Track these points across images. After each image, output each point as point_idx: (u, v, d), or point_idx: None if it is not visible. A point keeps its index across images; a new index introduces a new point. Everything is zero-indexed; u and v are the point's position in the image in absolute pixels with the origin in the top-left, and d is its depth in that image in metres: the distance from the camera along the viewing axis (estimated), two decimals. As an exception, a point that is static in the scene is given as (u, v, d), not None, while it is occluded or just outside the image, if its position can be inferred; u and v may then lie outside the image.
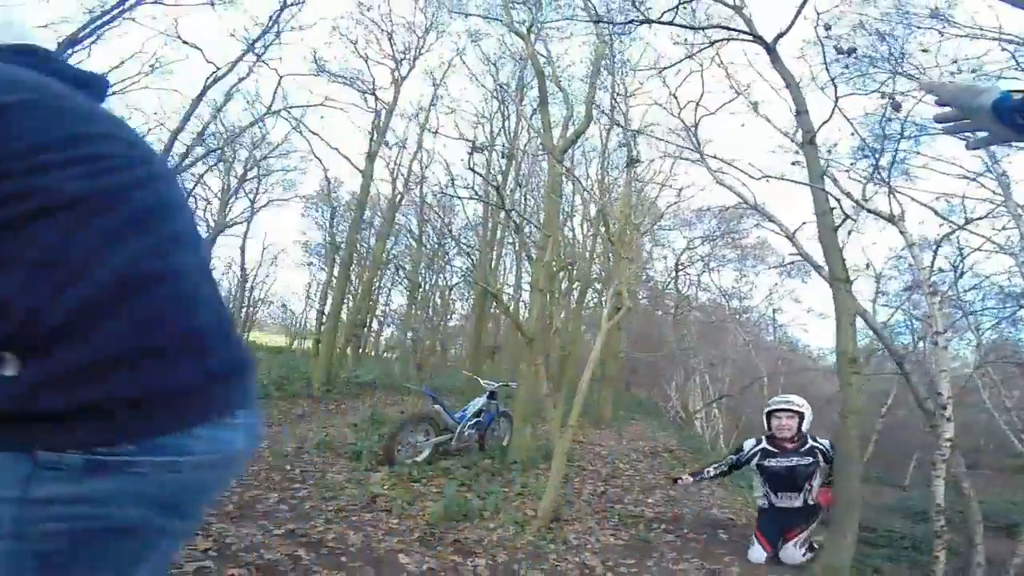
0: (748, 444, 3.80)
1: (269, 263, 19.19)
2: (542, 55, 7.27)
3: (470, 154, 5.45)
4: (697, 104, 6.53)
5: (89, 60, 8.15)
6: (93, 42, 9.73)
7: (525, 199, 12.49)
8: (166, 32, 10.58)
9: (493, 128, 13.56)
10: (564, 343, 11.95)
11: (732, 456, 3.87)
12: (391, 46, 11.41)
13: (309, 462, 4.83)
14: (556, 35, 7.79)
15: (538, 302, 5.84)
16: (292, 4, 9.08)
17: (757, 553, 3.58)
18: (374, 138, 11.22)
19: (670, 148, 12.02)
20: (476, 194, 7.03)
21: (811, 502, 3.59)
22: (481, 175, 6.62)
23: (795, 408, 3.64)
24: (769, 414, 3.72)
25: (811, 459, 3.57)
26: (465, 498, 4.06)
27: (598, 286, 13.92)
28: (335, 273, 12.99)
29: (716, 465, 3.94)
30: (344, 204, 15.45)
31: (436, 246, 13.48)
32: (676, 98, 7.22)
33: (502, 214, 8.72)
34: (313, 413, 7.95)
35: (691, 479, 3.99)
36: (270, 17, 8.86)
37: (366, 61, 11.55)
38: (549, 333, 6.39)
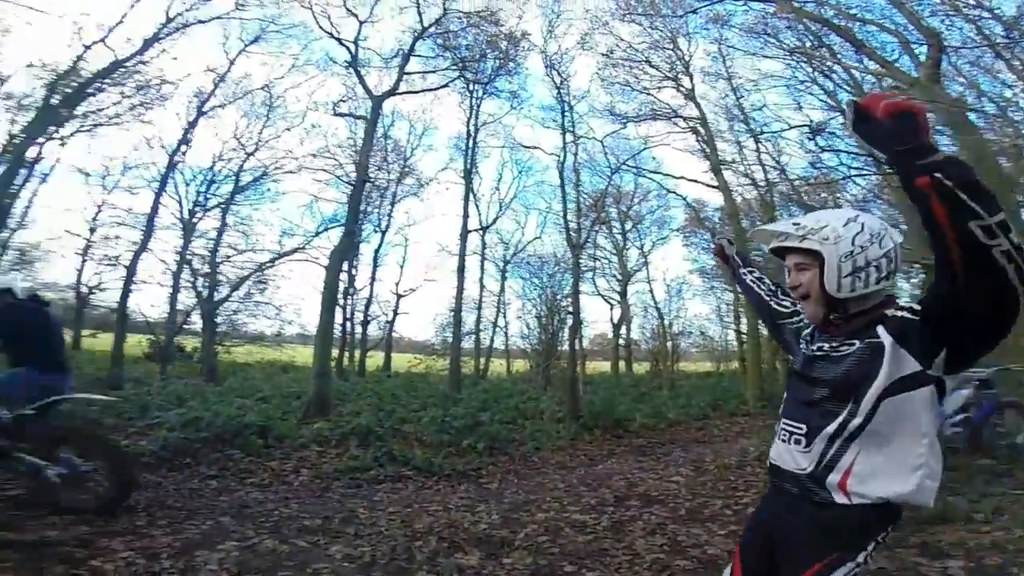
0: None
1: (675, 297, 20.64)
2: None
3: (812, 137, 4.82)
4: None
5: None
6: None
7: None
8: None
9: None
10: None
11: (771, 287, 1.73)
12: (655, 69, 11.56)
13: (751, 473, 4.99)
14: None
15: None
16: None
17: None
18: (707, 152, 11.20)
19: None
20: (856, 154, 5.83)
21: (838, 495, 1.26)
22: (835, 149, 5.55)
23: (805, 243, 1.36)
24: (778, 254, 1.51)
25: (852, 348, 1.28)
26: (947, 501, 3.40)
27: None
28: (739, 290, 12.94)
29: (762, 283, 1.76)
30: (718, 221, 15.38)
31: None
32: None
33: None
34: (750, 428, 8.02)
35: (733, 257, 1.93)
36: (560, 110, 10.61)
37: (646, 92, 12.00)
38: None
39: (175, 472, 4.37)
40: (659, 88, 12.32)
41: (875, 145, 1.06)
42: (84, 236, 13.40)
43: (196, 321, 13.49)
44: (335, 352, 13.54)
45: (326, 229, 14.41)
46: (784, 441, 1.36)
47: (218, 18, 11.59)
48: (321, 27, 9.86)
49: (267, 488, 4.32)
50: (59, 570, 2.26)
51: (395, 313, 18.02)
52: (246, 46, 12.38)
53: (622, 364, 19.31)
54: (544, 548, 3.21)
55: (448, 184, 18.75)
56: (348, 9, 9.76)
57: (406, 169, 16.10)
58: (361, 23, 9.80)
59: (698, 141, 11.76)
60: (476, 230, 15.23)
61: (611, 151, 13.82)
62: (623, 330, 19.20)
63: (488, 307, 18.01)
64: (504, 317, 19.03)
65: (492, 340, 18.79)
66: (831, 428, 1.27)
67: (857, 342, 1.27)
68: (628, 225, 18.76)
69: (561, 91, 11.17)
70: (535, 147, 17.47)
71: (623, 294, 18.74)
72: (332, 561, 2.84)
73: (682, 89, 11.90)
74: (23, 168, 10.99)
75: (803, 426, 1.32)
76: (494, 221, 16.82)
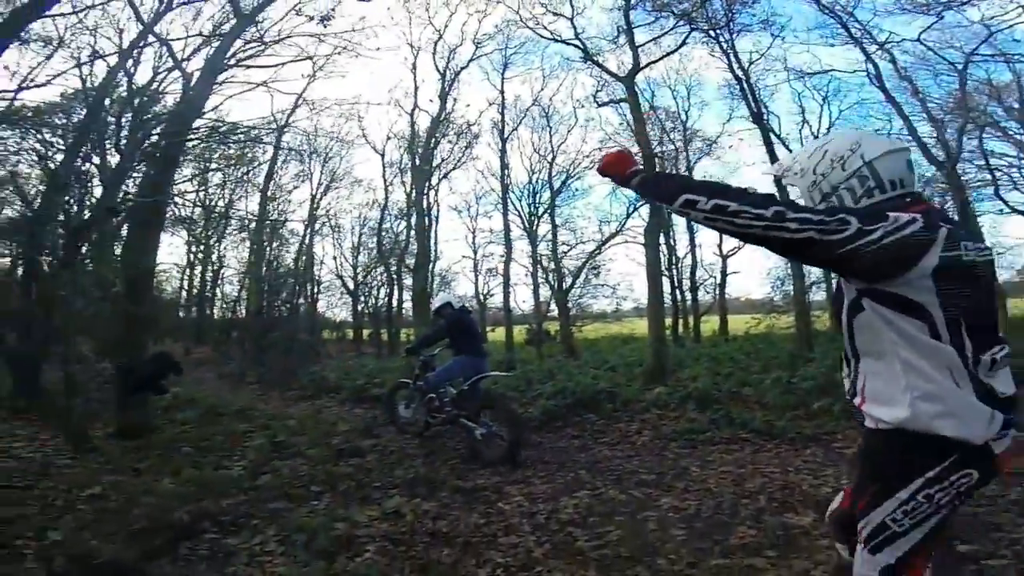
0: None
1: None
2: None
3: None
4: None
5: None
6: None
7: None
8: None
9: None
10: None
11: None
12: None
13: None
14: None
15: None
16: None
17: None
18: None
19: None
20: None
21: (867, 420, 1.34)
22: None
23: (785, 181, 1.57)
24: None
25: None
26: None
27: None
28: None
29: None
30: None
31: None
32: None
33: None
34: None
35: None
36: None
37: None
38: None
39: (550, 433, 5.72)
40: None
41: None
42: (471, 257, 18.51)
43: (554, 308, 16.51)
44: (668, 320, 14.18)
45: (634, 209, 15.31)
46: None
47: (472, 60, 14.83)
48: (541, 36, 11.01)
49: (615, 447, 5.19)
50: (481, 508, 3.40)
51: (723, 274, 17.47)
52: (502, 74, 15.35)
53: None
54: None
55: (740, 134, 16.61)
56: (552, 12, 10.56)
57: (688, 133, 15.50)
58: (571, 19, 10.34)
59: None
60: (794, 171, 13.11)
61: (946, 44, 9.80)
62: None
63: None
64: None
65: (849, 289, 15.83)
66: (844, 351, 1.36)
67: None
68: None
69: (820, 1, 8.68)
70: (827, 70, 12.96)
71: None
72: (659, 511, 3.35)
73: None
74: (425, 216, 15.91)
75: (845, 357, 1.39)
76: (811, 160, 14.11)
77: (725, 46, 10.64)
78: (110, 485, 3.46)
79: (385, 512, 3.19)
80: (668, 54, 10.50)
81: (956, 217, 9.58)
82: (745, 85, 10.96)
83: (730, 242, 17.99)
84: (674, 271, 16.57)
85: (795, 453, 4.78)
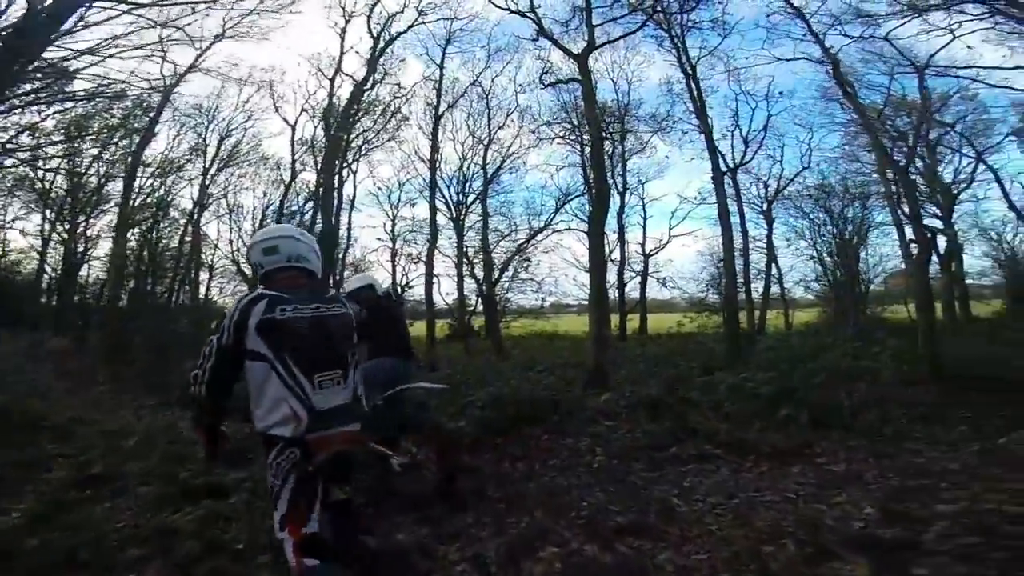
0: None
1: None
2: None
3: None
4: None
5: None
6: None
7: None
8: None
9: None
10: None
11: None
12: None
13: None
14: None
15: None
16: None
17: None
18: None
19: None
20: None
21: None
22: None
23: None
24: None
25: None
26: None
27: None
28: None
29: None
30: None
31: None
32: None
33: None
34: None
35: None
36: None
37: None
38: None
39: (487, 454, 4.53)
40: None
41: None
42: (388, 245, 17.31)
43: (472, 302, 15.48)
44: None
45: (565, 201, 14.84)
46: None
47: (412, 27, 13.58)
48: (496, 5, 9.94)
49: (567, 471, 4.12)
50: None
51: (645, 273, 17.54)
52: (444, 49, 14.58)
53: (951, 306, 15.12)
54: (977, 553, 2.22)
55: (678, 132, 16.54)
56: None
57: (625, 128, 15.38)
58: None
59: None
60: (725, 173, 13.18)
61: (886, 59, 10.67)
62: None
63: (757, 254, 16.05)
64: (775, 265, 16.69)
65: (767, 291, 16.59)
66: None
67: None
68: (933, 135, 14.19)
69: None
70: (797, 58, 12.76)
71: (946, 220, 14.26)
72: (664, 573, 2.39)
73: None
74: (335, 191, 14.03)
75: None
76: (742, 161, 14.85)
77: (676, 40, 10.52)
78: None
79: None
80: (625, 35, 10.12)
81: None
82: (692, 81, 10.81)
83: (651, 241, 18.21)
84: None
85: (781, 473, 4.07)
